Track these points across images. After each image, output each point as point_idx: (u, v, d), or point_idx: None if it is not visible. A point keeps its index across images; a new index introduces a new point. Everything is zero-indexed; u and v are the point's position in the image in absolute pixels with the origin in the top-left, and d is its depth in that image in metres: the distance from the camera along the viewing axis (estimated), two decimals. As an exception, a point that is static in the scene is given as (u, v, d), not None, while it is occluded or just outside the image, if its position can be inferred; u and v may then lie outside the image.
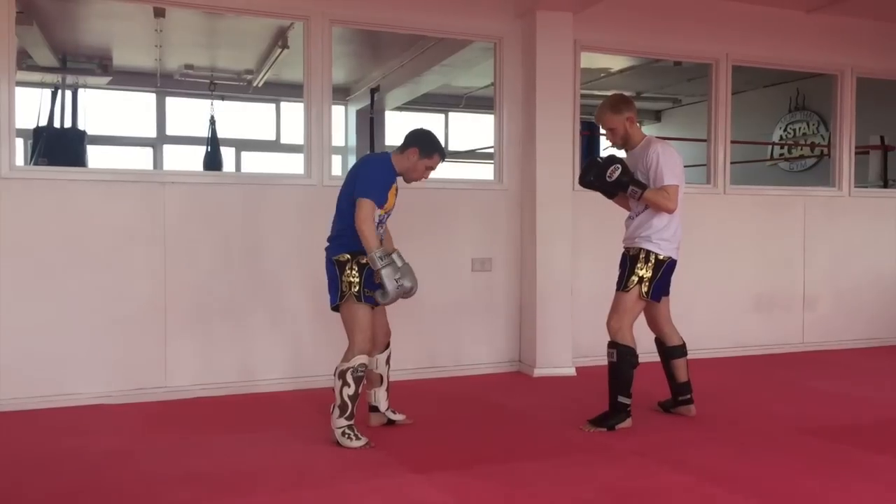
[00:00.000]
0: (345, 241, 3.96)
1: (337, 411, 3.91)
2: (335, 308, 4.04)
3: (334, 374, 3.94)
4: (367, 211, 3.83)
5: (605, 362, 4.29)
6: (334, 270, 3.97)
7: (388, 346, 4.28)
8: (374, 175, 3.96)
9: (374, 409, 4.29)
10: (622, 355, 4.21)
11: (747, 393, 5.22)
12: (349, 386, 3.88)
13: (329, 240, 4.07)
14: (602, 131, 4.51)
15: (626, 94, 4.55)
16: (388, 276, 3.80)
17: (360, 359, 3.92)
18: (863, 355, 6.65)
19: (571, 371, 5.72)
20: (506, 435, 4.19)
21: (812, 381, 5.64)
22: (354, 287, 3.92)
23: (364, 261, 3.90)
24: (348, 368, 3.90)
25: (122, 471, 3.59)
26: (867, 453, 3.86)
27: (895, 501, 3.26)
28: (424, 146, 4.04)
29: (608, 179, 4.22)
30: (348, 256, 3.94)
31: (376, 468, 3.61)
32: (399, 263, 3.89)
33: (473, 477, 3.48)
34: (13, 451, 3.91)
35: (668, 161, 4.22)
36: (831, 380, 5.69)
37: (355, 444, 3.89)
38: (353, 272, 3.92)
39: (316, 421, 4.48)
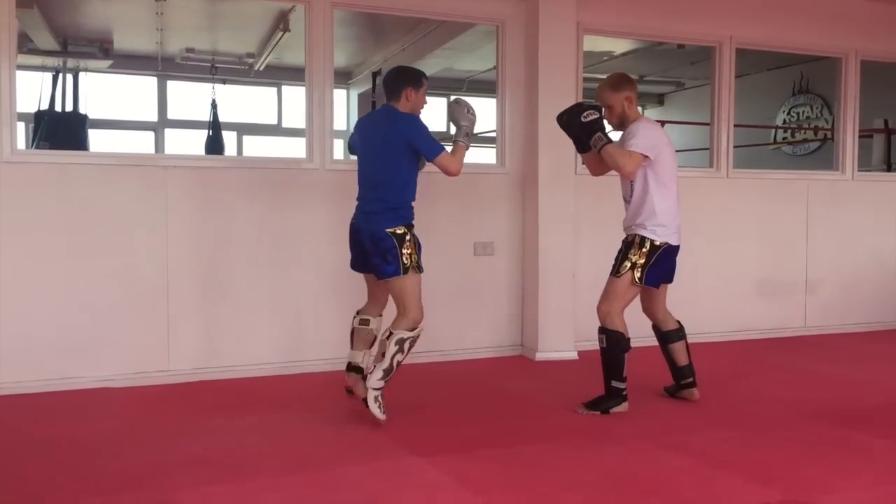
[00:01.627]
0: (401, 214, 4.02)
1: (381, 372, 3.90)
2: (386, 277, 4.07)
3: (387, 339, 3.94)
4: (448, 160, 4.03)
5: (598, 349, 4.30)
6: (391, 242, 3.98)
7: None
8: (422, 131, 4.06)
9: (357, 369, 4.24)
10: (612, 340, 4.21)
11: (749, 377, 5.22)
12: (402, 353, 3.96)
13: (375, 211, 4.04)
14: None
15: (630, 75, 4.49)
16: (471, 124, 4.17)
17: (420, 329, 4.03)
18: (865, 339, 6.65)
19: (573, 355, 5.72)
20: (507, 418, 4.20)
21: (814, 365, 5.64)
22: (415, 258, 4.02)
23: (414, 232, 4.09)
24: (409, 338, 3.96)
25: (124, 454, 3.61)
26: (868, 437, 3.86)
27: (895, 484, 3.27)
28: (413, 81, 4.16)
29: (582, 120, 4.17)
30: (404, 230, 4.01)
31: (378, 451, 3.62)
32: (461, 122, 4.15)
33: (475, 460, 3.49)
34: (15, 435, 3.93)
35: (643, 133, 4.16)
36: (833, 364, 5.69)
37: (381, 416, 3.92)
38: (411, 243, 4.02)
39: (318, 404, 4.50)
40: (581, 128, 4.20)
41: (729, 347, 6.19)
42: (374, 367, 3.95)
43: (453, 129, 4.23)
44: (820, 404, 4.52)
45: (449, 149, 4.09)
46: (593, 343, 5.64)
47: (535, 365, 5.60)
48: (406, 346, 3.95)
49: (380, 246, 3.99)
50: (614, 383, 4.23)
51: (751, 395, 4.73)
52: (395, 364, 3.93)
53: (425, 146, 3.99)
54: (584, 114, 4.18)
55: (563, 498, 3.07)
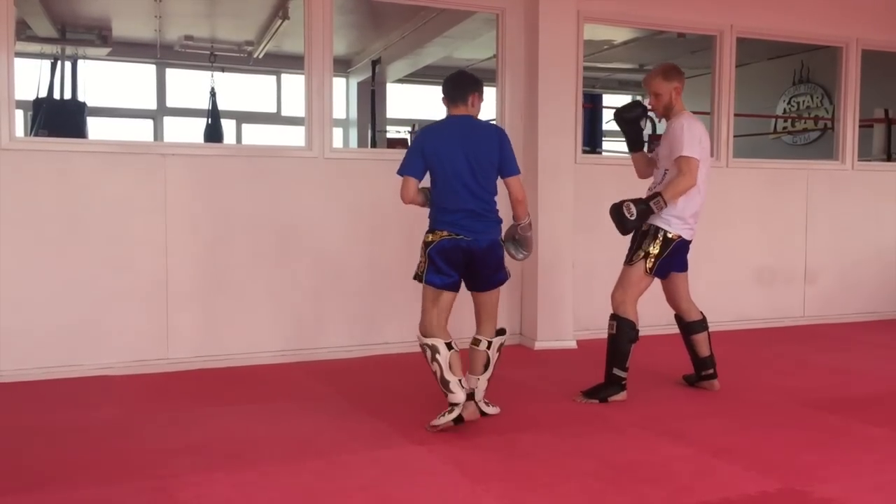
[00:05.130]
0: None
1: (489, 376, 3.94)
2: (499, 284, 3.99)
3: (490, 349, 3.94)
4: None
5: (606, 335, 4.30)
6: (501, 252, 3.93)
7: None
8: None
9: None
10: (621, 329, 4.22)
11: (748, 366, 5.23)
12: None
13: (487, 222, 3.85)
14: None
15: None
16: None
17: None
18: (863, 329, 6.65)
19: (572, 344, 5.72)
20: (506, 407, 4.19)
21: (812, 354, 5.65)
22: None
23: None
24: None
25: (124, 441, 3.61)
26: (865, 426, 3.87)
27: (892, 472, 3.28)
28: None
29: (630, 218, 4.13)
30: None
31: (377, 439, 3.63)
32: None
33: (473, 448, 3.50)
34: (16, 422, 3.93)
35: (692, 133, 4.19)
36: (831, 353, 5.70)
37: (496, 410, 3.98)
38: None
39: (317, 393, 4.51)
40: (634, 224, 4.17)
41: (728, 337, 6.18)
42: (487, 373, 3.95)
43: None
44: (818, 393, 4.53)
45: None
46: (592, 332, 5.69)
47: (533, 354, 5.61)
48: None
49: (494, 258, 3.93)
50: (616, 371, 4.24)
51: (749, 383, 4.73)
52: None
53: (513, 159, 3.95)
54: (629, 213, 4.13)
55: (561, 486, 3.08)
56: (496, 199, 3.89)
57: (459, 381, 3.74)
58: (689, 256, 4.51)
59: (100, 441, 3.62)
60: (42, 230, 4.76)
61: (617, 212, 4.18)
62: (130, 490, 3.03)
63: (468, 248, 3.79)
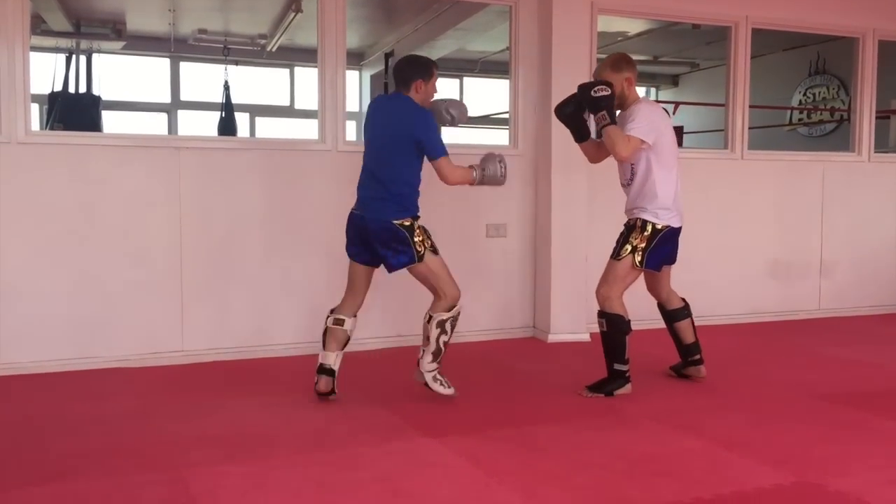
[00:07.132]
0: (407, 206, 3.95)
1: (430, 356, 3.98)
2: (394, 269, 3.99)
3: (429, 322, 3.95)
4: (448, 167, 3.95)
5: (599, 333, 4.30)
6: (402, 233, 3.89)
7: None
8: (433, 128, 3.97)
9: (329, 371, 4.12)
10: (612, 324, 4.20)
11: (762, 359, 5.21)
12: (446, 333, 3.97)
13: (382, 202, 3.95)
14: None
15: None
16: (491, 176, 4.13)
17: (458, 307, 4.01)
18: (879, 322, 6.62)
19: (586, 337, 5.71)
20: (519, 400, 4.21)
21: (827, 347, 5.62)
22: (428, 243, 3.96)
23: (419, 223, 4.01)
24: (449, 318, 3.96)
25: (140, 433, 3.64)
26: (880, 419, 3.86)
27: (909, 467, 3.26)
28: (424, 73, 4.06)
29: (592, 94, 4.08)
30: (411, 221, 3.95)
31: (390, 432, 3.64)
32: (487, 167, 4.12)
33: (486, 441, 3.50)
34: (33, 414, 3.97)
35: (646, 117, 4.13)
36: (847, 346, 5.67)
37: (446, 391, 4.02)
38: (421, 231, 3.95)
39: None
40: (590, 102, 4.13)
41: (742, 329, 6.17)
42: (423, 350, 4.00)
43: (469, 110, 4.17)
44: (833, 386, 4.50)
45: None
46: (606, 325, 5.66)
47: (547, 347, 5.61)
48: (447, 326, 3.97)
49: (391, 237, 3.89)
50: (616, 366, 4.23)
51: (763, 376, 4.72)
52: (441, 346, 3.98)
53: (431, 145, 3.91)
54: (595, 88, 4.11)
55: (574, 478, 3.08)
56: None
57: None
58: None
59: (115, 432, 3.65)
60: (57, 223, 4.79)
61: (585, 85, 4.17)
62: (146, 481, 3.06)
63: None
